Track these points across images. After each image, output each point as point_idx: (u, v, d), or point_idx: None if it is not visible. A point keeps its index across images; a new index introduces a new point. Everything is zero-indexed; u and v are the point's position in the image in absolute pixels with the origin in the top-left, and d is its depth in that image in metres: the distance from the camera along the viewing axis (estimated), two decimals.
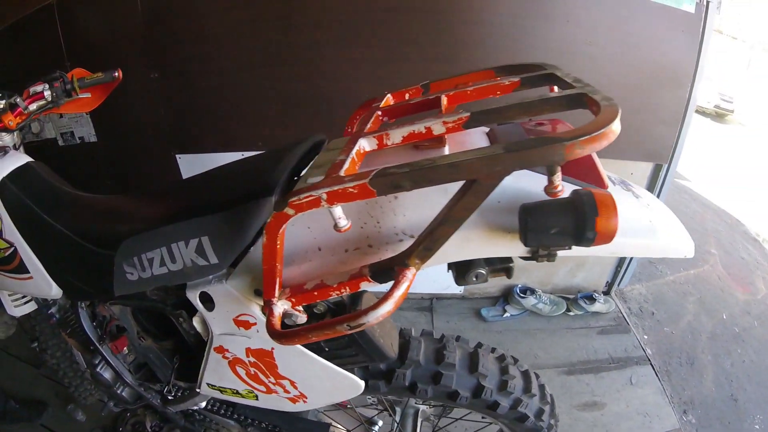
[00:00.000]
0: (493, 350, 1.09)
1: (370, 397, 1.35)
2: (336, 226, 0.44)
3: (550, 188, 0.44)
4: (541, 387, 1.10)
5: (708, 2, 1.87)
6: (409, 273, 0.44)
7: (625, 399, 2.02)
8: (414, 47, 1.87)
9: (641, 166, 2.17)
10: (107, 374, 1.16)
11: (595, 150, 0.37)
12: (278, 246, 0.48)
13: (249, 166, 0.77)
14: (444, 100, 0.62)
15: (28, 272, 0.96)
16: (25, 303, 1.20)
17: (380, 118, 0.64)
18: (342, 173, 0.44)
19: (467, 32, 1.85)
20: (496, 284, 2.53)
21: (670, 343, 2.38)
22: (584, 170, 0.56)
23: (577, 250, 0.50)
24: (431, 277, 2.44)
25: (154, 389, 1.18)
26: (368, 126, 0.58)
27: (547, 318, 2.43)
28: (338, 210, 0.43)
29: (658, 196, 2.21)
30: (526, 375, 1.07)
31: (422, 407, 1.31)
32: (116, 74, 1.19)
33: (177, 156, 2.19)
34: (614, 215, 0.44)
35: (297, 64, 1.94)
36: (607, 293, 2.57)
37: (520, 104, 0.48)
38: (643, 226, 0.57)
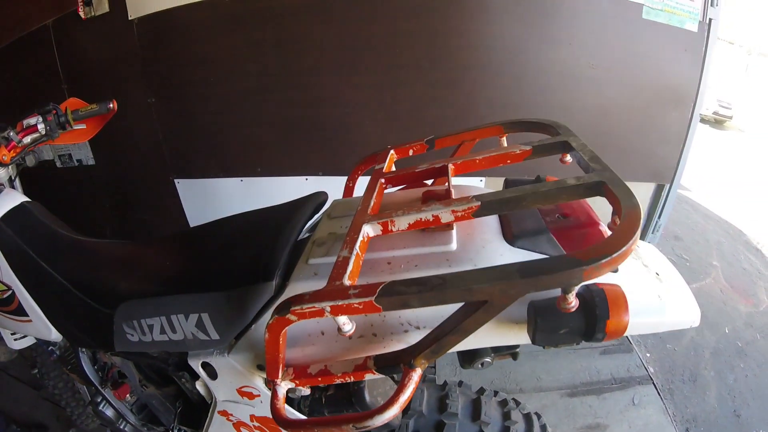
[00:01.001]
0: (496, 394, 1.07)
1: None
2: (340, 331, 0.43)
3: (563, 304, 0.42)
4: (543, 427, 1.08)
5: (710, 20, 1.86)
6: (415, 375, 0.43)
7: (628, 420, 2.01)
8: (415, 72, 1.85)
9: (643, 187, 2.15)
10: (109, 412, 1.16)
11: (612, 268, 0.36)
12: (280, 342, 0.47)
13: (251, 235, 0.75)
14: (451, 168, 0.60)
15: (27, 315, 0.95)
16: (24, 337, 1.19)
17: (384, 186, 0.63)
18: (346, 279, 0.43)
19: (469, 57, 1.84)
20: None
21: (673, 360, 2.37)
22: (590, 242, 0.55)
23: (583, 344, 0.49)
24: None
25: (156, 430, 1.17)
26: (372, 201, 0.56)
27: None
28: (343, 317, 0.42)
29: (660, 215, 2.20)
30: (527, 418, 1.06)
31: None
32: (111, 105, 1.19)
33: (176, 180, 2.17)
34: (625, 313, 0.44)
35: (297, 89, 1.93)
36: None
37: (534, 193, 0.47)
38: (653, 305, 0.55)
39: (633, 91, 1.93)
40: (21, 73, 2.04)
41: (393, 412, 0.41)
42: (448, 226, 0.56)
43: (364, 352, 0.50)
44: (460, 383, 1.06)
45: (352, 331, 0.43)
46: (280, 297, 0.58)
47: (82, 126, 1.20)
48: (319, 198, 0.77)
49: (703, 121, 7.60)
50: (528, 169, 1.16)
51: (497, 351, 0.57)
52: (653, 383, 2.19)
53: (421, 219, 0.49)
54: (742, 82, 8.64)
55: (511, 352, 0.57)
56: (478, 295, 0.37)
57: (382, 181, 0.63)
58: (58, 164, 2.22)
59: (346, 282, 0.43)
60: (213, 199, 2.17)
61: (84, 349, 1.07)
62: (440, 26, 1.81)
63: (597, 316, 0.42)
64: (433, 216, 0.49)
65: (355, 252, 0.46)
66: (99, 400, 1.13)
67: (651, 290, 0.56)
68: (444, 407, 0.97)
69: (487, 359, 0.56)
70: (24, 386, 2.05)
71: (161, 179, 2.16)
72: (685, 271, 3.13)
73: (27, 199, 1.03)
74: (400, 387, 0.42)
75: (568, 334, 0.44)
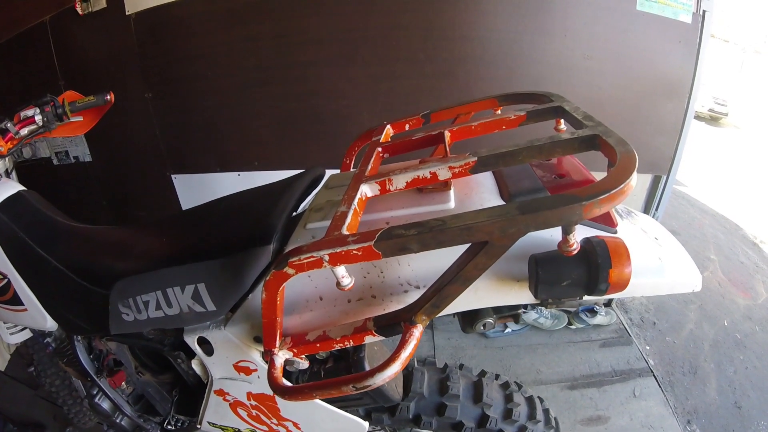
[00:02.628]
0: (497, 377, 1.06)
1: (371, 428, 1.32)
2: (339, 285, 0.42)
3: (564, 246, 0.42)
4: (546, 411, 1.08)
5: (704, 12, 1.87)
6: (416, 331, 0.42)
7: (629, 412, 1.99)
8: (412, 64, 1.86)
9: (640, 178, 2.15)
10: (105, 405, 1.14)
11: (612, 207, 0.35)
12: (278, 302, 0.46)
13: (246, 208, 0.75)
14: (447, 136, 0.60)
15: (23, 304, 0.94)
16: (20, 331, 1.17)
17: (381, 155, 0.62)
18: (344, 230, 0.42)
19: (464, 48, 1.84)
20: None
21: (673, 352, 2.36)
22: (573, 179, 0.54)
23: (586, 298, 0.48)
24: None
25: (153, 421, 1.15)
26: (369, 166, 0.56)
27: (548, 332, 2.40)
28: (341, 269, 0.41)
29: (657, 207, 2.20)
30: (530, 401, 1.05)
31: None
32: (108, 97, 1.18)
33: (172, 176, 2.17)
34: (628, 264, 0.43)
35: (294, 82, 1.93)
36: (608, 305, 2.55)
37: (529, 147, 0.46)
38: (653, 265, 0.55)
39: (628, 82, 1.93)
40: (18, 71, 2.04)
41: (394, 369, 0.40)
42: (446, 186, 0.55)
43: (364, 314, 0.49)
44: (461, 366, 1.05)
45: (351, 284, 0.42)
46: None
47: (80, 118, 1.19)
48: (316, 172, 0.76)
49: (698, 118, 7.63)
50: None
51: (498, 312, 0.57)
52: (653, 375, 2.18)
53: (418, 176, 0.49)
54: (737, 79, 8.69)
55: (512, 313, 0.56)
56: (478, 234, 0.36)
57: (379, 149, 0.62)
58: (55, 161, 2.21)
59: (345, 232, 0.42)
60: (210, 194, 2.15)
61: (79, 338, 1.06)
62: (435, 19, 1.82)
63: (599, 265, 0.42)
64: (430, 173, 0.48)
65: (353, 207, 0.46)
66: (95, 393, 1.12)
67: (651, 252, 0.56)
68: (445, 389, 0.96)
69: (489, 320, 0.55)
70: (20, 386, 2.03)
71: (158, 175, 2.16)
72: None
73: (23, 188, 1.02)
74: (401, 343, 0.41)
75: (570, 286, 0.43)
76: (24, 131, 1.10)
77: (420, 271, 0.51)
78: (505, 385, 1.05)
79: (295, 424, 0.72)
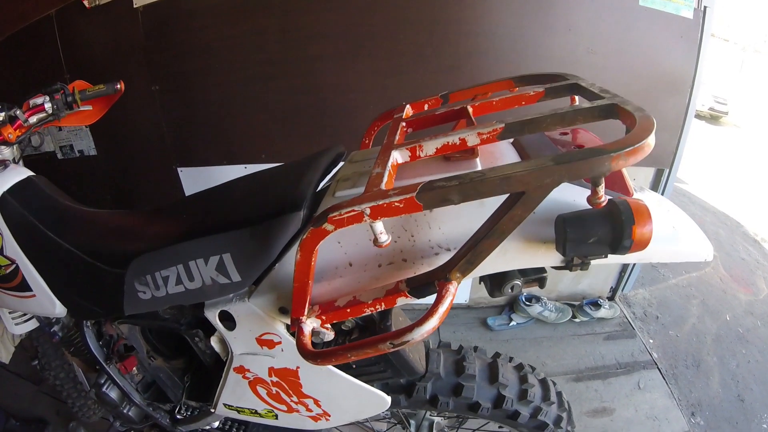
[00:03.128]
0: (511, 359, 1.08)
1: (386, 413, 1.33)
2: (376, 241, 0.43)
3: (594, 198, 0.44)
4: (559, 394, 1.09)
5: (705, 8, 1.89)
6: (452, 287, 0.43)
7: (634, 404, 2.01)
8: (417, 59, 1.87)
9: (643, 171, 2.18)
10: (113, 394, 1.11)
11: (635, 161, 0.37)
12: (312, 263, 0.47)
13: (271, 180, 0.75)
14: (470, 110, 0.61)
15: (31, 290, 0.93)
16: (27, 321, 1.16)
17: (405, 129, 0.64)
18: (383, 187, 0.43)
19: (470, 43, 1.86)
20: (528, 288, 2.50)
21: (676, 346, 2.37)
22: (611, 179, 0.56)
23: (610, 258, 0.50)
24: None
25: (163, 409, 1.14)
26: (396, 138, 0.57)
27: (553, 325, 2.42)
28: (380, 225, 0.43)
29: None
30: (544, 383, 1.06)
31: (437, 419, 1.30)
32: (118, 86, 1.18)
33: (178, 169, 2.17)
34: (650, 223, 0.45)
35: (300, 76, 1.94)
36: (611, 299, 2.57)
37: (553, 115, 0.48)
38: (669, 232, 0.57)
39: (631, 77, 1.95)
40: (24, 64, 2.04)
41: (432, 323, 0.41)
42: (473, 154, 0.57)
43: (394, 278, 0.50)
44: (476, 348, 1.06)
45: (389, 241, 0.44)
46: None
47: (89, 107, 1.18)
48: (338, 150, 0.77)
49: (699, 117, 7.67)
50: None
51: (525, 275, 0.58)
52: (658, 368, 2.19)
53: (448, 143, 0.50)
54: (738, 78, 8.72)
55: (538, 277, 0.58)
56: (516, 184, 0.37)
57: (403, 124, 0.64)
58: (60, 156, 2.21)
59: (383, 187, 0.43)
60: None
61: (89, 324, 1.06)
62: (440, 14, 1.84)
63: (623, 222, 0.43)
64: (459, 139, 0.50)
65: (387, 169, 0.47)
66: (103, 381, 1.10)
67: (665, 220, 0.58)
68: (462, 369, 0.97)
69: (516, 282, 0.56)
70: (23, 381, 2.03)
71: (164, 168, 2.16)
72: (677, 263, 3.14)
73: (32, 173, 1.02)
74: (438, 300, 0.42)
75: (596, 243, 0.45)
76: (33, 119, 1.09)
77: (451, 234, 0.52)
78: (519, 367, 1.06)
79: (316, 402, 0.73)
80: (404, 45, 1.87)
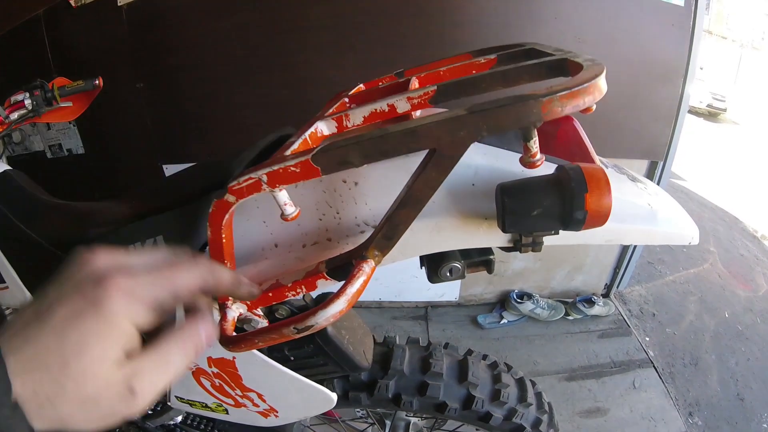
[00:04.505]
0: (485, 357, 1.01)
1: (359, 410, 1.28)
2: (282, 215, 0.38)
3: (526, 157, 0.37)
4: (538, 395, 1.02)
5: None
6: (367, 266, 0.37)
7: (629, 403, 1.96)
8: (401, 50, 1.83)
9: (636, 165, 2.12)
10: None
11: (577, 108, 0.32)
12: (224, 240, 0.42)
13: (210, 163, 0.72)
14: (415, 82, 0.56)
15: (4, 282, 0.92)
16: (8, 315, 1.16)
17: (347, 105, 0.59)
18: (288, 153, 0.39)
19: (455, 34, 1.82)
20: (492, 290, 2.47)
21: (673, 344, 2.32)
22: (570, 150, 0.51)
23: (566, 237, 0.44)
24: (425, 285, 2.37)
25: None
26: (331, 110, 0.52)
27: (545, 323, 2.36)
28: (284, 195, 0.37)
29: None
30: (521, 383, 1.00)
31: (414, 419, 1.24)
32: (97, 82, 1.18)
33: (164, 167, 2.15)
34: (607, 192, 0.38)
35: (283, 70, 1.91)
36: (606, 296, 2.52)
37: (492, 74, 0.43)
38: (643, 210, 0.50)
39: (621, 65, 1.90)
40: (12, 65, 2.02)
41: (339, 307, 0.35)
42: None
43: (319, 259, 0.45)
44: (446, 345, 1.00)
45: (296, 214, 0.38)
46: None
47: (69, 104, 1.19)
48: (285, 130, 0.72)
49: (697, 113, 7.61)
50: None
51: (467, 257, 0.52)
52: (654, 367, 2.14)
53: (376, 110, 0.45)
54: (736, 75, 8.66)
55: (483, 259, 0.52)
56: (424, 140, 0.31)
57: (346, 100, 0.59)
58: (49, 155, 2.20)
59: (287, 154, 0.38)
60: None
61: None
62: (424, 4, 1.80)
63: (573, 189, 0.37)
64: (388, 105, 0.44)
65: (303, 137, 0.42)
66: None
67: (638, 197, 0.52)
68: (427, 367, 0.90)
69: (456, 264, 0.50)
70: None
71: (149, 165, 2.14)
72: (681, 256, 3.10)
73: (9, 167, 1.00)
74: (349, 279, 0.37)
75: (542, 216, 0.38)
76: (14, 115, 1.10)
77: (378, 209, 0.47)
78: (493, 365, 1.00)
79: (260, 396, 0.68)
80: (388, 36, 1.83)
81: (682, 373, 2.14)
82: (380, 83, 0.72)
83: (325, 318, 0.35)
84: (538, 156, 0.35)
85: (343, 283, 0.37)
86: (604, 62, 0.37)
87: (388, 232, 0.37)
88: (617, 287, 2.52)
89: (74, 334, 0.31)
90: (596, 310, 2.36)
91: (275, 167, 0.35)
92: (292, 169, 0.34)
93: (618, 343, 2.25)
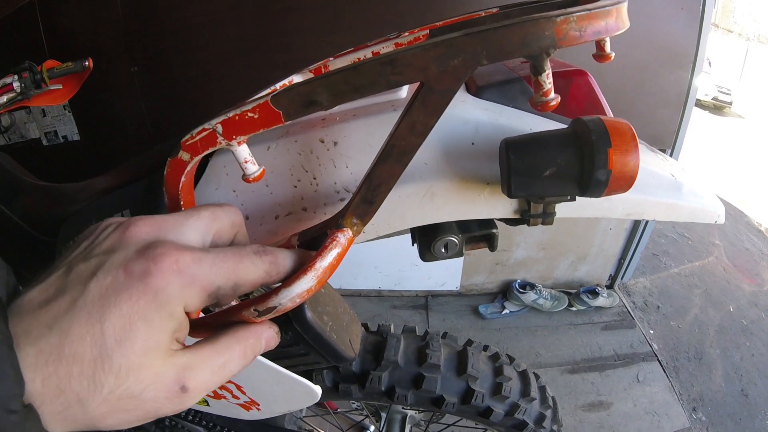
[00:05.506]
0: (486, 348, 0.95)
1: (355, 402, 1.22)
2: (244, 175, 0.32)
3: (537, 96, 0.28)
4: (542, 389, 0.96)
5: None
6: (343, 236, 0.30)
7: (632, 398, 1.92)
8: (399, 29, 1.76)
9: None
10: None
11: (598, 35, 0.25)
12: (182, 205, 0.36)
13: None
14: (406, 38, 0.50)
15: None
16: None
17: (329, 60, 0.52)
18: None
19: (455, 12, 1.74)
20: (494, 280, 2.42)
21: (677, 337, 2.27)
22: (584, 110, 0.44)
23: (582, 207, 0.38)
24: (426, 273, 2.35)
25: None
26: (312, 66, 0.46)
27: (548, 314, 2.31)
28: (243, 150, 0.31)
29: None
30: (524, 376, 0.93)
31: (410, 412, 1.18)
32: (86, 63, 1.15)
33: None
34: (634, 149, 0.32)
35: (279, 51, 1.85)
36: (610, 287, 2.47)
37: (494, 15, 0.36)
38: (666, 182, 0.44)
39: (629, 49, 1.83)
40: (6, 51, 1.97)
41: (306, 284, 0.28)
42: None
43: (293, 231, 0.39)
44: (444, 334, 0.94)
45: (259, 173, 0.32)
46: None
47: (59, 86, 1.15)
48: None
49: (702, 106, 7.50)
50: None
51: (466, 231, 0.45)
52: (658, 360, 2.09)
53: (359, 59, 0.39)
54: (741, 69, 8.55)
55: (485, 233, 0.44)
56: (408, 71, 0.24)
57: (331, 58, 0.52)
58: (45, 142, 2.13)
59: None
60: None
61: None
62: None
63: (593, 143, 0.30)
64: (373, 53, 0.38)
65: (272, 87, 0.36)
66: None
67: (662, 167, 0.45)
68: (424, 358, 0.84)
69: (452, 238, 0.43)
70: None
71: (144, 151, 2.08)
72: (687, 249, 3.05)
73: None
74: (320, 250, 0.30)
75: (556, 177, 0.31)
76: (2, 99, 1.06)
77: (360, 174, 0.39)
78: (495, 357, 0.93)
79: (239, 387, 0.62)
80: (385, 15, 1.77)
81: (686, 368, 2.10)
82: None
83: (289, 298, 0.28)
84: (552, 95, 0.28)
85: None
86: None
87: (367, 195, 0.30)
88: (621, 278, 2.47)
89: (116, 317, 0.25)
90: (600, 301, 2.31)
91: (230, 114, 0.28)
92: (250, 114, 0.28)
93: (622, 336, 2.20)
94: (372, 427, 1.38)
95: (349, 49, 0.41)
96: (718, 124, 7.24)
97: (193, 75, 1.94)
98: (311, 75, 0.40)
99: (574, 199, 0.36)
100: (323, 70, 0.40)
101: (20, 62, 1.09)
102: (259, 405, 0.66)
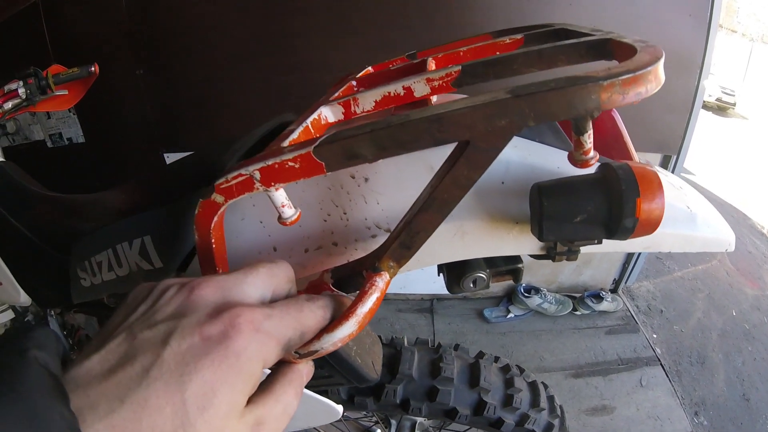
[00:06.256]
0: (497, 360, 0.96)
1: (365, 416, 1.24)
2: (280, 218, 0.32)
3: (578, 154, 0.30)
4: (550, 399, 0.98)
5: None
6: (380, 280, 0.31)
7: (636, 402, 1.92)
8: (407, 33, 1.77)
9: (649, 158, 2.06)
10: None
11: (639, 97, 0.26)
12: (213, 244, 0.36)
13: (201, 153, 0.66)
14: (431, 64, 0.50)
15: None
16: (3, 311, 1.14)
17: (354, 88, 0.52)
18: (285, 143, 0.32)
19: (464, 16, 1.75)
20: (499, 284, 2.42)
21: (680, 341, 2.28)
22: (606, 142, 0.45)
23: (605, 245, 0.38)
24: (431, 277, 2.32)
25: None
26: (337, 94, 0.46)
27: (552, 318, 2.32)
28: (281, 195, 0.31)
29: None
30: (533, 387, 0.95)
31: (419, 419, 1.20)
32: (92, 69, 1.14)
33: (165, 155, 2.10)
34: (660, 195, 0.33)
35: (285, 53, 1.85)
36: (614, 291, 2.47)
37: (526, 53, 0.36)
38: (682, 214, 0.45)
39: None
40: (10, 54, 1.97)
41: (348, 330, 0.29)
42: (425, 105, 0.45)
43: (323, 266, 0.39)
44: (456, 346, 0.95)
45: (296, 217, 0.32)
46: None
47: (64, 92, 1.16)
48: (284, 117, 0.66)
49: (706, 107, 7.49)
50: None
51: (493, 266, 0.46)
52: (661, 364, 2.10)
53: (389, 93, 0.38)
54: (745, 70, 8.53)
55: (511, 268, 0.45)
56: (454, 129, 0.25)
57: (353, 83, 0.52)
58: (49, 144, 2.15)
59: (284, 144, 0.32)
60: None
61: (53, 313, 1.02)
62: None
63: (622, 193, 0.31)
64: (404, 88, 0.38)
65: (304, 125, 0.36)
66: None
67: (678, 200, 0.46)
68: (437, 371, 0.85)
69: (480, 275, 0.44)
70: None
71: (150, 153, 2.10)
72: (690, 253, 3.04)
73: (3, 160, 0.99)
74: (359, 296, 0.31)
75: (585, 223, 0.32)
76: (8, 105, 1.06)
77: (392, 210, 0.40)
78: (506, 369, 0.95)
79: None
80: (392, 18, 1.76)
81: (688, 372, 2.11)
82: (391, 65, 0.65)
83: (331, 343, 0.29)
84: (592, 153, 0.29)
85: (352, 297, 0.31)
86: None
87: (406, 241, 0.31)
88: (625, 283, 2.48)
89: (198, 384, 0.24)
90: (604, 305, 2.31)
91: (270, 161, 0.29)
92: (291, 164, 0.28)
93: (625, 340, 2.21)
94: (378, 431, 1.39)
95: (379, 85, 0.41)
96: (722, 125, 7.23)
97: (198, 77, 1.94)
98: (340, 107, 0.40)
99: (601, 242, 0.36)
100: (352, 105, 0.40)
101: (25, 66, 1.09)
102: None
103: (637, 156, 0.47)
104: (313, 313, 0.30)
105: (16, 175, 0.93)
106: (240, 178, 0.30)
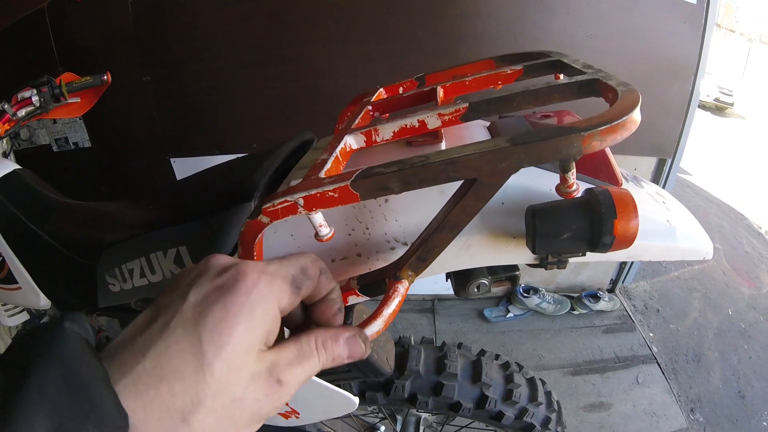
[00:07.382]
0: (497, 357, 1.03)
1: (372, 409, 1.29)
2: (317, 235, 0.39)
3: (563, 187, 0.38)
4: (548, 394, 1.04)
5: None
6: (401, 287, 0.38)
7: (632, 399, 1.98)
8: (412, 42, 1.82)
9: (645, 161, 2.11)
10: None
11: (615, 142, 0.32)
12: (255, 257, 0.42)
13: (229, 169, 0.72)
14: (440, 92, 0.56)
15: (17, 282, 0.94)
16: (18, 313, 1.17)
17: (371, 113, 0.59)
18: (322, 174, 0.39)
19: (466, 26, 1.80)
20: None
21: (676, 340, 2.33)
22: (595, 165, 0.51)
23: (590, 256, 0.45)
24: (433, 278, 2.35)
25: None
26: (357, 122, 0.52)
27: (551, 318, 2.38)
28: (319, 217, 0.38)
29: None
30: (531, 382, 1.02)
31: (424, 415, 1.26)
32: (105, 77, 1.17)
33: (171, 160, 2.13)
34: (634, 217, 0.39)
35: (291, 61, 1.89)
36: (611, 291, 2.53)
37: (524, 92, 0.43)
38: (662, 227, 0.51)
39: (633, 62, 1.89)
40: (17, 59, 2.00)
41: (376, 327, 0.36)
42: (437, 138, 0.52)
43: (348, 275, 0.45)
44: (460, 345, 1.02)
45: (330, 235, 0.39)
46: None
47: (77, 99, 1.18)
48: (305, 137, 0.73)
49: (704, 107, 7.54)
50: None
51: (494, 273, 0.53)
52: (657, 363, 2.16)
53: (406, 125, 0.45)
54: (743, 69, 8.58)
55: (509, 275, 0.53)
56: (465, 170, 0.32)
57: (369, 108, 0.59)
58: (55, 148, 2.18)
59: (322, 175, 0.39)
60: None
61: None
62: None
63: (602, 215, 0.38)
64: (418, 121, 0.45)
65: (334, 155, 0.42)
66: None
67: (658, 213, 0.53)
68: (442, 368, 0.92)
69: (483, 281, 0.51)
70: None
71: (157, 159, 2.13)
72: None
73: (19, 167, 1.01)
74: (384, 300, 0.37)
75: (571, 239, 0.39)
76: (21, 112, 1.09)
77: (408, 227, 0.47)
78: (506, 366, 1.01)
79: None
80: (396, 28, 1.81)
81: (684, 370, 2.16)
82: (400, 88, 0.72)
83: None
84: (575, 186, 0.36)
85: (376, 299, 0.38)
86: (635, 87, 0.38)
87: (422, 254, 0.37)
88: (623, 282, 2.53)
89: (212, 324, 0.25)
90: (602, 305, 2.37)
91: (313, 191, 0.35)
92: (331, 194, 0.35)
93: (622, 339, 2.27)
94: (383, 428, 1.43)
95: (396, 114, 0.47)
96: (720, 125, 7.27)
97: (205, 84, 1.98)
98: (362, 136, 0.47)
99: (585, 255, 0.43)
100: (373, 135, 0.46)
101: (31, 72, 1.12)
102: (299, 414, 0.72)
103: (622, 175, 0.53)
104: (305, 256, 0.32)
105: (32, 182, 0.97)
106: (286, 204, 0.36)
